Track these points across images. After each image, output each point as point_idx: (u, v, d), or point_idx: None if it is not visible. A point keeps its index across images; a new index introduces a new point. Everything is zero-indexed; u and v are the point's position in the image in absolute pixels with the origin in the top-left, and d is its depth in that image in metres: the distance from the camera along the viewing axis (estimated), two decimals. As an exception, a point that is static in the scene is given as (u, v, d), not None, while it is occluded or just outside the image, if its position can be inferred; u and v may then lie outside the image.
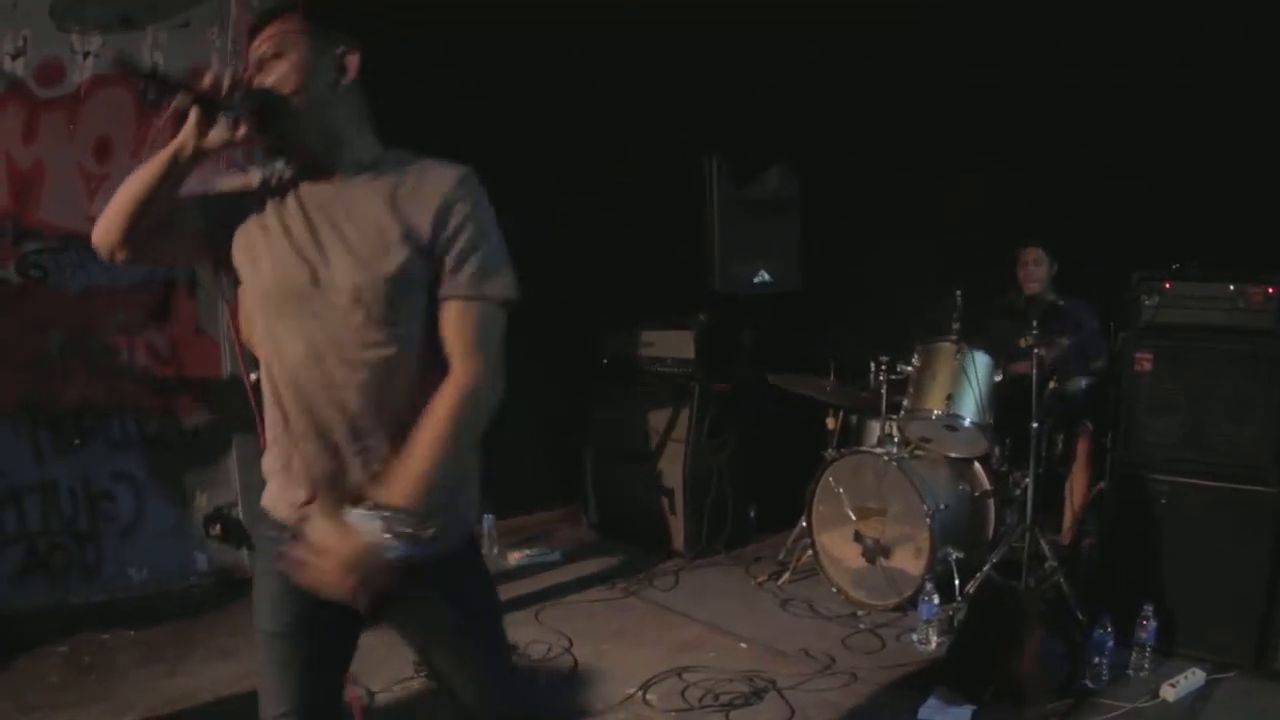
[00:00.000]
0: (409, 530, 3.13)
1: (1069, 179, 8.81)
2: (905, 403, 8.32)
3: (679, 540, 9.62)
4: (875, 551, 8.07)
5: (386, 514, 3.12)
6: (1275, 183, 7.71)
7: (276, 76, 3.25)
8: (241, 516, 8.81)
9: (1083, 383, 8.34)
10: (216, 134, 3.19)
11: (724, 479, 9.71)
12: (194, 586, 8.62)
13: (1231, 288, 6.90)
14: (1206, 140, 7.98)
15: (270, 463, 3.57)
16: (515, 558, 9.55)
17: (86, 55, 8.08)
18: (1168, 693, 6.32)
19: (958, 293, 8.14)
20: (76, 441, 8.21)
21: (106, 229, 3.37)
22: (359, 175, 3.36)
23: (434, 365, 3.32)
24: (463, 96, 9.60)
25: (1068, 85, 8.71)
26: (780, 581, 8.75)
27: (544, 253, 8.59)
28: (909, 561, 7.91)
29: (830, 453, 8.72)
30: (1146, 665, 6.62)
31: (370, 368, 3.28)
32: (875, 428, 8.95)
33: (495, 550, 9.53)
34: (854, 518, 8.25)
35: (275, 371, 3.42)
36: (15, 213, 7.96)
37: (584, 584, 8.91)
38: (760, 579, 8.84)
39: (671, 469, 9.69)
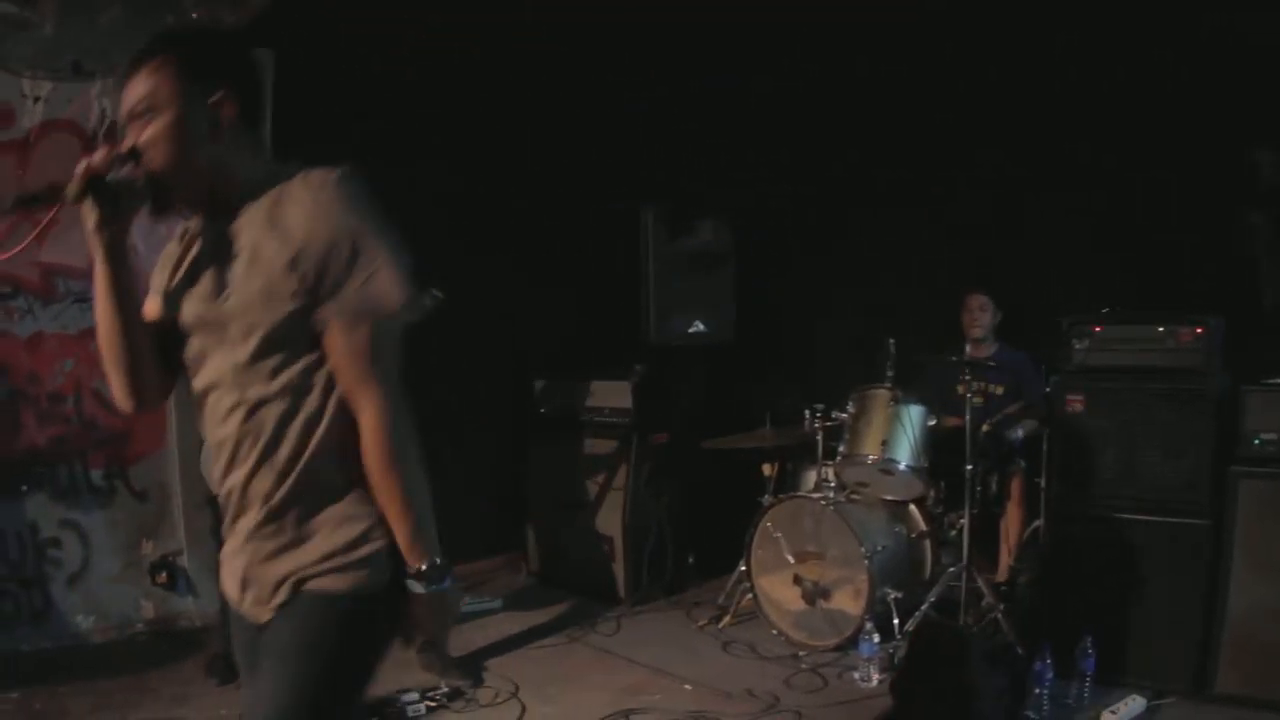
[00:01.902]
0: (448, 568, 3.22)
1: (1004, 227, 8.92)
2: (841, 448, 8.45)
3: (620, 586, 9.66)
4: (815, 593, 8.15)
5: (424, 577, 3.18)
6: (1205, 226, 7.89)
7: (150, 134, 3.14)
8: (187, 564, 8.83)
9: (1020, 432, 8.43)
10: (120, 206, 3.12)
11: (663, 526, 9.78)
12: (141, 634, 8.61)
13: (1160, 329, 7.09)
14: (1143, 184, 8.12)
15: None
16: (457, 604, 9.48)
17: (37, 100, 8.13)
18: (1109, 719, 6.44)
19: (891, 340, 8.30)
20: (24, 488, 8.22)
21: (119, 393, 3.41)
22: (248, 208, 3.21)
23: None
24: (417, 153, 9.66)
25: (998, 135, 8.83)
26: (721, 624, 8.82)
27: (480, 304, 8.70)
28: (848, 602, 7.99)
29: (768, 498, 8.79)
30: (1087, 694, 6.73)
31: (254, 405, 3.21)
32: (812, 474, 9.08)
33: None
34: (793, 561, 8.33)
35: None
36: (-38, 258, 7.95)
37: (527, 630, 8.94)
38: (701, 623, 8.90)
39: (611, 517, 9.74)
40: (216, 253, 3.22)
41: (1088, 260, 8.39)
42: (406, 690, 7.23)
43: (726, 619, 8.88)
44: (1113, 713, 6.48)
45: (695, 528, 10.15)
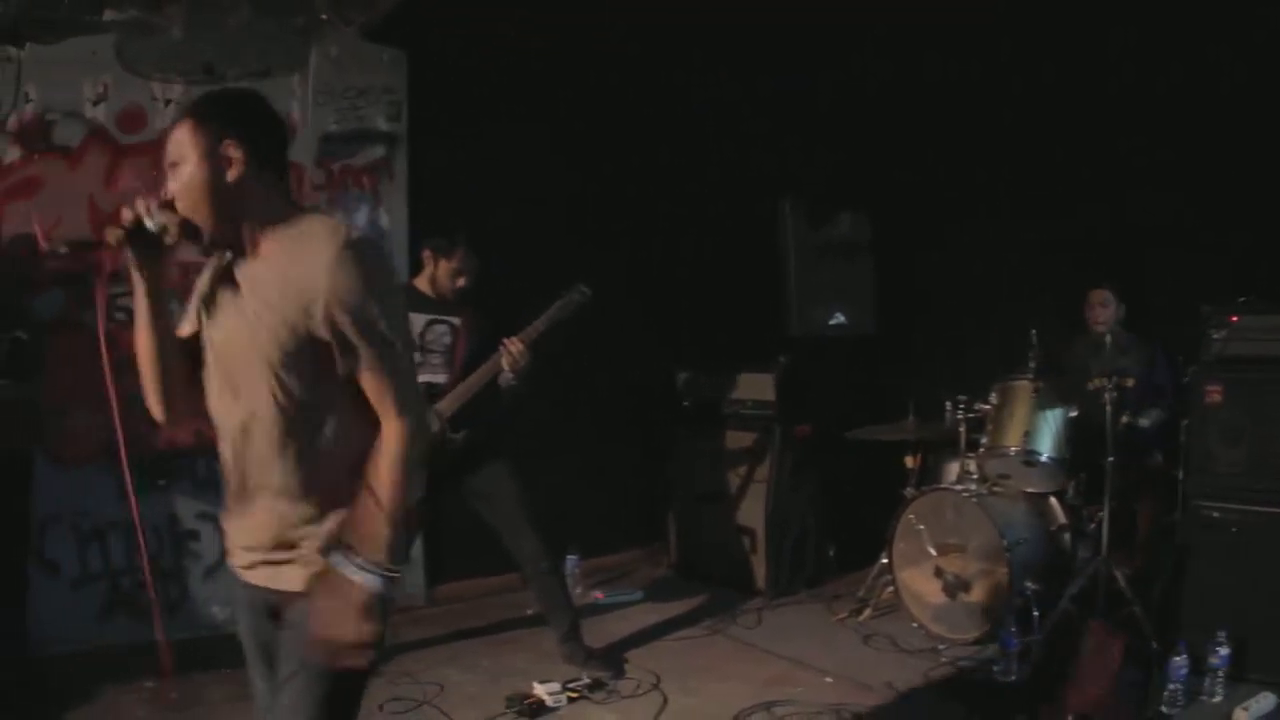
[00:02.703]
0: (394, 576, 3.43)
1: (1140, 217, 8.80)
2: (983, 440, 8.39)
3: (760, 579, 9.63)
4: (956, 586, 8.10)
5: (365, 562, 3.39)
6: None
7: (179, 183, 3.47)
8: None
9: (1154, 414, 8.33)
10: (157, 249, 3.53)
11: (805, 519, 9.76)
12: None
13: (1298, 318, 6.93)
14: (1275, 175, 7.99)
15: None
16: (597, 597, 9.61)
17: (168, 103, 8.25)
18: (1240, 716, 6.32)
19: (1033, 331, 8.20)
20: (162, 482, 8.31)
21: (153, 404, 3.78)
22: (269, 246, 3.51)
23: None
24: (553, 150, 9.68)
25: (1133, 129, 8.76)
26: (861, 617, 8.79)
27: (625, 298, 8.68)
28: (989, 595, 7.94)
29: (910, 491, 8.76)
30: (1220, 690, 6.60)
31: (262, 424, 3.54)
32: (953, 465, 8.99)
33: (579, 589, 9.51)
34: (934, 553, 8.29)
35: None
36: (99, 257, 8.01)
37: (667, 622, 8.94)
38: (841, 616, 8.88)
39: (753, 509, 9.71)
40: (239, 286, 3.54)
41: (1222, 249, 8.24)
42: (548, 681, 7.20)
43: (867, 612, 8.84)
44: (1244, 709, 6.36)
45: (836, 521, 10.09)
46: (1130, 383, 8.16)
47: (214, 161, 3.45)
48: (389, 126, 9.10)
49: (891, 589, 8.66)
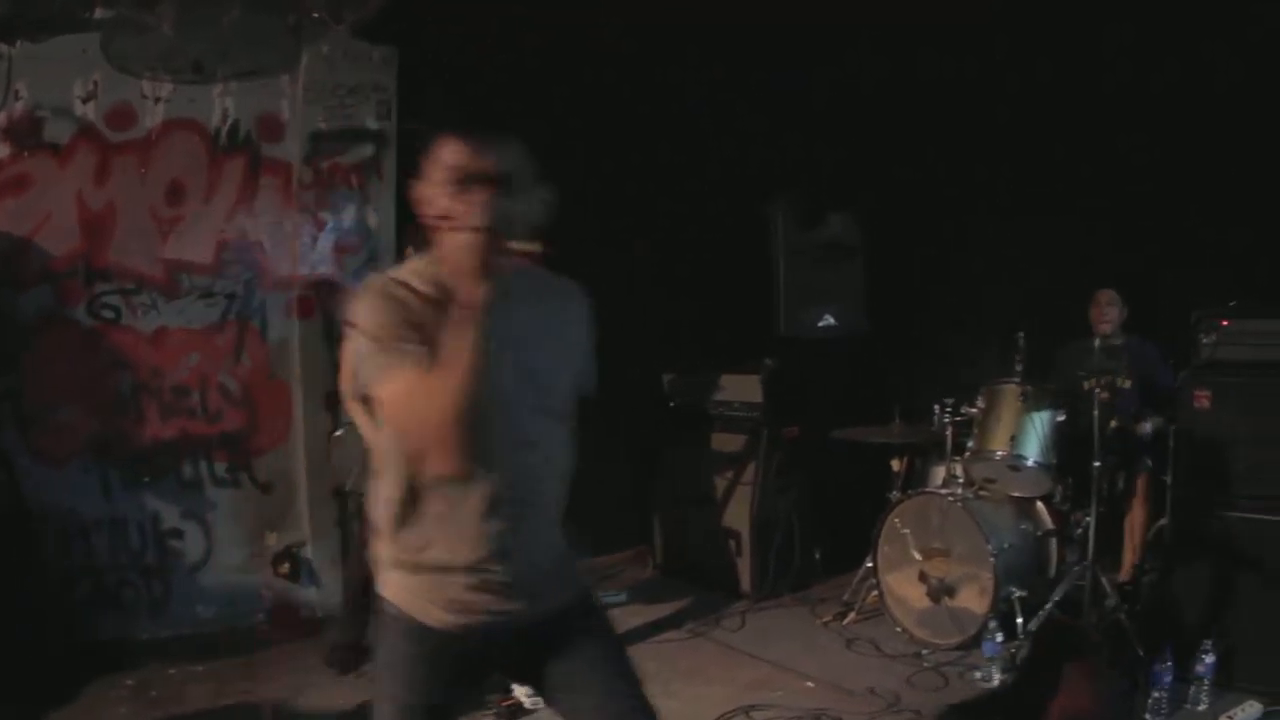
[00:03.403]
0: None
1: (1135, 221, 8.80)
2: (970, 444, 8.36)
3: (745, 582, 9.62)
4: (940, 591, 8.09)
5: None
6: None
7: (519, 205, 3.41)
8: (311, 555, 8.92)
9: (1148, 426, 8.32)
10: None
11: (790, 522, 9.74)
12: (261, 623, 8.72)
13: (1289, 321, 6.91)
14: (1271, 174, 7.98)
15: None
16: (582, 598, 9.50)
17: (158, 100, 8.24)
18: (1224, 724, 6.30)
19: (1020, 334, 8.19)
20: (146, 480, 8.32)
21: (453, 463, 3.32)
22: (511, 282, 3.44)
23: None
24: (545, 149, 9.66)
25: (1131, 128, 8.73)
26: (845, 621, 8.79)
27: (613, 299, 8.69)
28: (973, 600, 7.92)
29: (896, 494, 8.78)
30: (1205, 698, 6.57)
31: None
32: (940, 469, 9.00)
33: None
34: (919, 558, 8.28)
35: None
36: (87, 254, 8.10)
37: (651, 624, 8.93)
38: (826, 620, 8.87)
39: (738, 511, 9.71)
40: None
41: (1217, 253, 8.24)
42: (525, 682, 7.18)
43: (851, 616, 8.85)
44: (1229, 717, 6.36)
45: (822, 523, 10.06)
46: (1127, 384, 8.18)
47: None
48: (378, 125, 9.08)
49: (876, 593, 8.65)
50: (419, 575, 3.55)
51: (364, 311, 3.41)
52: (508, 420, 3.48)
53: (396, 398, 3.29)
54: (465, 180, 3.33)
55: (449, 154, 3.39)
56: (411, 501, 3.49)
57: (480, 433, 3.25)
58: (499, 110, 9.16)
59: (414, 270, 3.55)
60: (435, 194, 3.37)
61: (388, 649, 3.71)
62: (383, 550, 3.63)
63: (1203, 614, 6.98)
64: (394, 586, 3.63)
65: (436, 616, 3.54)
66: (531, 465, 3.63)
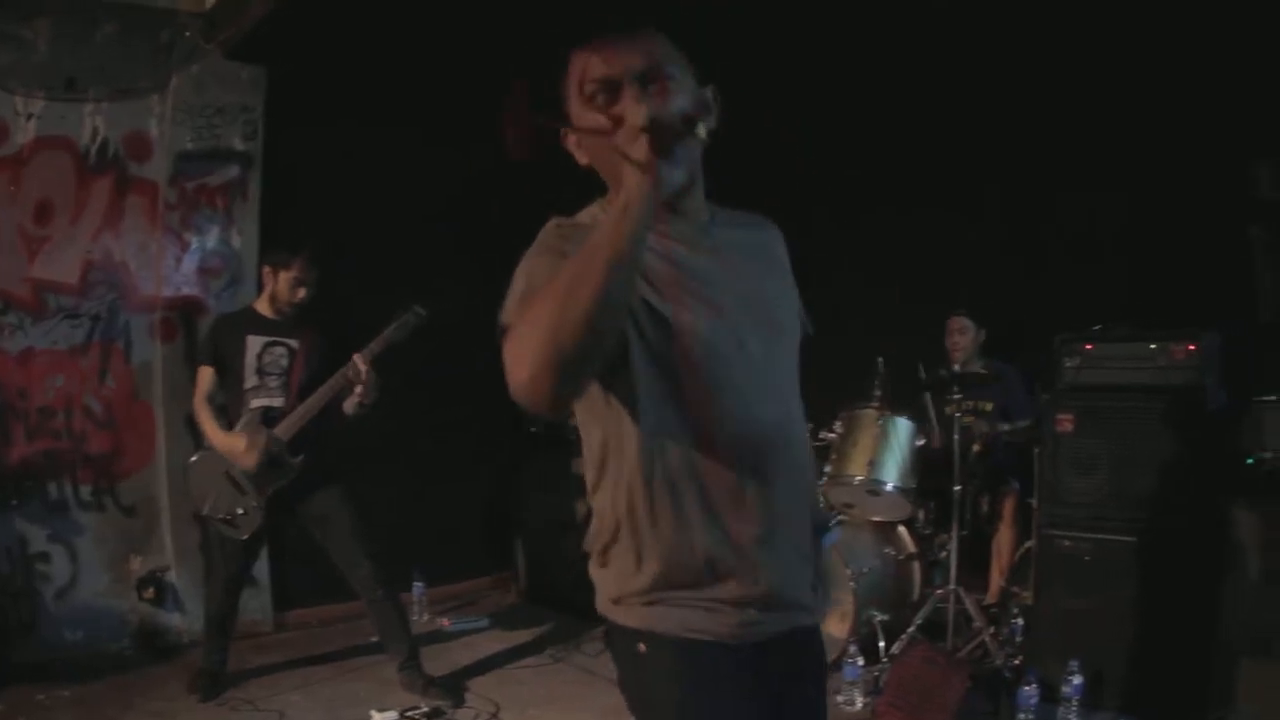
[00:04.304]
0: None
1: (993, 244, 8.87)
2: (828, 469, 8.35)
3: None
4: (799, 615, 8.10)
5: None
6: (1201, 239, 7.80)
7: (689, 97, 2.86)
8: (175, 580, 8.93)
9: (1003, 430, 8.43)
10: (675, 174, 2.70)
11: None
12: (127, 648, 8.68)
13: (1153, 345, 7.05)
14: (1138, 197, 8.06)
15: None
16: (444, 624, 9.64)
17: (30, 117, 8.18)
18: (1094, 745, 6.36)
19: (879, 360, 8.25)
20: (14, 502, 8.28)
21: (540, 384, 2.50)
22: (711, 221, 3.20)
23: None
24: (411, 166, 9.73)
25: (987, 146, 8.71)
26: (706, 645, 8.72)
27: (467, 319, 8.70)
28: (833, 625, 7.91)
29: (759, 517, 8.69)
30: (1074, 719, 6.66)
31: None
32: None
33: (425, 617, 9.65)
34: (779, 581, 8.25)
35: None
36: (-46, 274, 8.02)
37: (512, 650, 8.96)
38: (690, 644, 8.81)
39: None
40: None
41: (1080, 276, 8.32)
42: (386, 710, 7.23)
43: (715, 642, 8.77)
44: (1099, 737, 6.40)
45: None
46: (989, 407, 8.26)
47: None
48: (244, 146, 9.10)
49: (741, 616, 8.59)
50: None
51: (530, 270, 2.84)
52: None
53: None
54: (610, 87, 2.90)
55: (582, 67, 2.95)
56: None
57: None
58: (364, 134, 9.17)
59: (591, 215, 3.14)
60: (583, 115, 2.94)
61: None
62: None
63: (1070, 635, 7.06)
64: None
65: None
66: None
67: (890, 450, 8.01)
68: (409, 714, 7.25)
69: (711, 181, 3.16)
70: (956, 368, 8.58)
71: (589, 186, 3.14)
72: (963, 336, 8.84)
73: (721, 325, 2.97)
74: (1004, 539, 8.52)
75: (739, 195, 3.40)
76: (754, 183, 9.12)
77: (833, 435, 8.40)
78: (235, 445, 7.28)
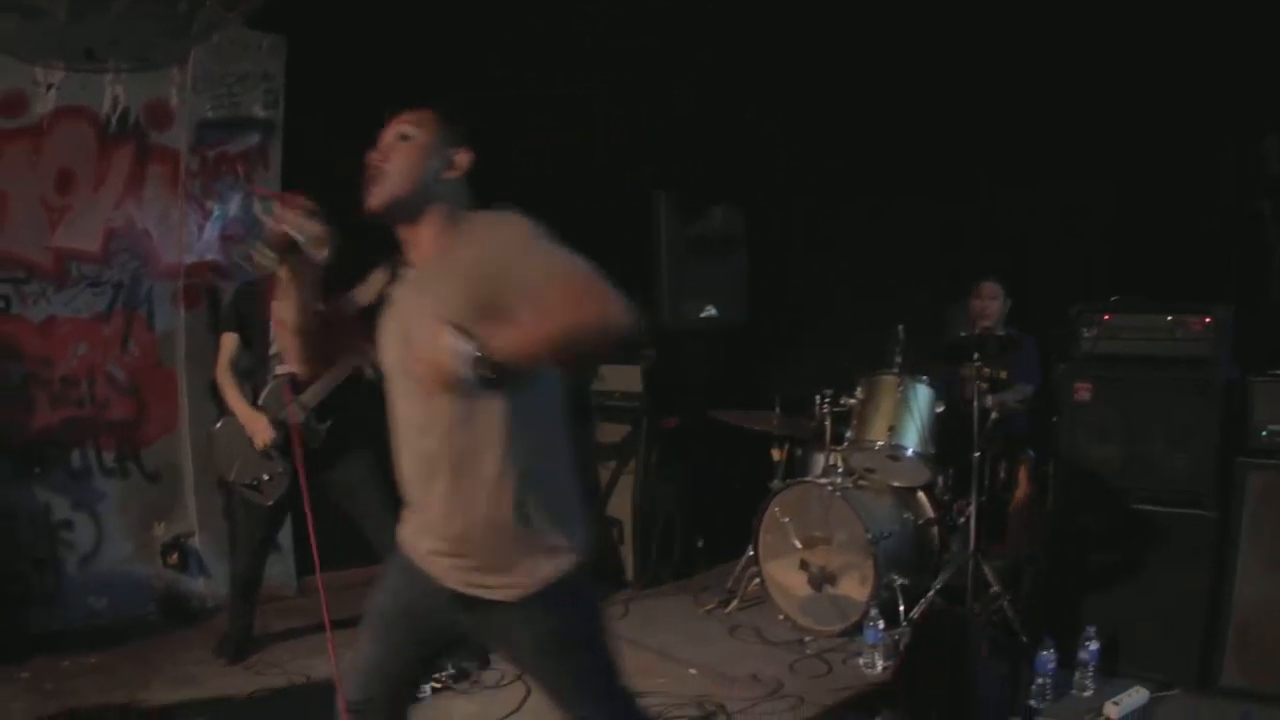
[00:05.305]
0: (485, 372, 3.39)
1: (1014, 216, 8.94)
2: (849, 434, 8.46)
3: (628, 570, 9.70)
4: (821, 579, 8.20)
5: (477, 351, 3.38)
6: (1216, 216, 7.86)
7: (399, 158, 3.89)
8: (199, 545, 8.92)
9: (1019, 391, 8.51)
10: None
11: (672, 511, 9.83)
12: (151, 614, 8.65)
13: (1169, 318, 7.07)
14: (1153, 174, 8.11)
15: None
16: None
17: (49, 88, 8.13)
18: (1111, 710, 6.39)
19: (900, 326, 8.30)
20: (37, 470, 8.25)
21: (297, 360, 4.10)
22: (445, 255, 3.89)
23: None
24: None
25: (1011, 119, 8.79)
26: (728, 609, 8.85)
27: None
28: (854, 588, 8.04)
29: (776, 484, 8.80)
30: (1090, 684, 6.71)
31: None
32: (820, 459, 9.10)
33: (449, 580, 9.50)
34: (800, 547, 8.37)
35: None
36: (-24, 242, 8.01)
37: (536, 612, 8.87)
38: (708, 607, 8.94)
39: (621, 501, 9.78)
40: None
41: (1097, 249, 8.37)
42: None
43: (733, 604, 8.91)
44: (1115, 703, 6.43)
45: (704, 512, 10.13)
46: (1004, 375, 8.30)
47: (439, 154, 4.00)
48: (265, 114, 9.06)
49: (758, 581, 8.72)
50: None
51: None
52: None
53: None
54: None
55: None
56: None
57: None
58: (386, 100, 9.18)
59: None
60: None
61: None
62: None
63: (1086, 602, 7.13)
64: None
65: None
66: None
67: (911, 416, 8.08)
68: (435, 676, 7.21)
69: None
70: (979, 333, 8.59)
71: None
72: (993, 302, 8.81)
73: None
74: (1020, 506, 8.52)
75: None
76: (811, 171, 9.30)
77: (853, 401, 8.47)
78: (257, 422, 7.32)
